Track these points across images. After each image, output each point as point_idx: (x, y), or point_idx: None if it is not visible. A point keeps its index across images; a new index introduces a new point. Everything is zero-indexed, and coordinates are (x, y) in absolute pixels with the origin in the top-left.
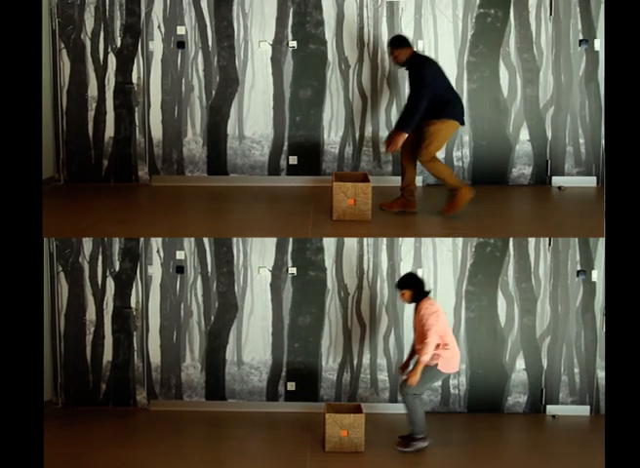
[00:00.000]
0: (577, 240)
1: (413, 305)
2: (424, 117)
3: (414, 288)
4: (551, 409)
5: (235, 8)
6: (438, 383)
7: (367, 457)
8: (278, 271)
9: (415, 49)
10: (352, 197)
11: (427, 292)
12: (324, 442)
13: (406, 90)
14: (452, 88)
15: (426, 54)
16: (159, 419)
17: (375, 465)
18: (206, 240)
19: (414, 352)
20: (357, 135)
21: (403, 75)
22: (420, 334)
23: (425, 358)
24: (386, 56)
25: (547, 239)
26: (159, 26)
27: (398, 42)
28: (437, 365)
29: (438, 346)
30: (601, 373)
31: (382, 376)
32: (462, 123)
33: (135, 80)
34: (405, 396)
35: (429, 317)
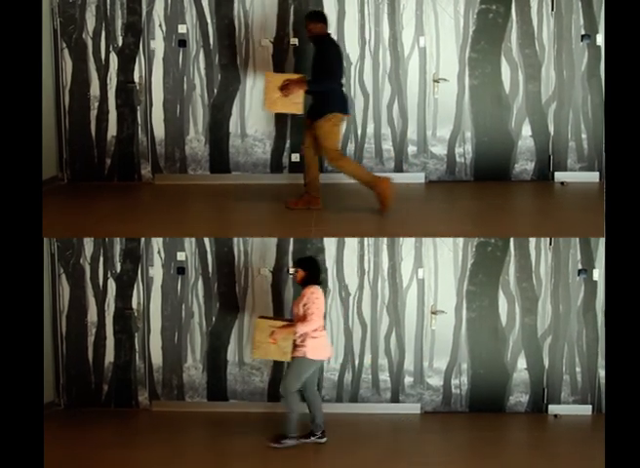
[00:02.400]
0: (578, 239)
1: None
2: (311, 114)
3: (309, 270)
4: (553, 408)
5: (236, 6)
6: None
7: (368, 456)
8: (279, 271)
9: (329, 31)
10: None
11: (319, 282)
12: (252, 348)
13: (407, 87)
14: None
15: (427, 50)
16: (161, 420)
17: (376, 463)
18: (207, 240)
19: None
20: (359, 131)
21: (404, 72)
22: (302, 317)
23: (300, 329)
24: (388, 52)
25: (548, 238)
26: (160, 25)
27: (314, 16)
28: (305, 354)
29: (305, 336)
30: (603, 372)
31: (384, 377)
32: (347, 112)
33: (136, 79)
34: (285, 394)
35: (313, 302)
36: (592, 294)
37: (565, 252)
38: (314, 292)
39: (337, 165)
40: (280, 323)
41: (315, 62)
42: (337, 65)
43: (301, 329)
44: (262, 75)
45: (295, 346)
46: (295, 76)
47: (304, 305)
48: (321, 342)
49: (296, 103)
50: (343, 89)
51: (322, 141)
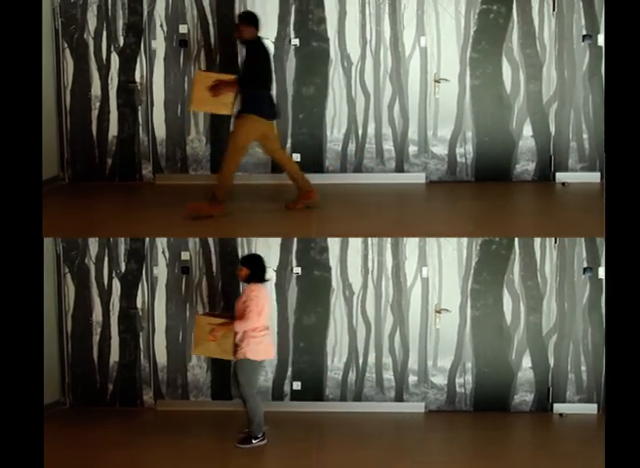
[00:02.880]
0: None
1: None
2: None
3: (252, 268)
4: (558, 407)
5: (237, 6)
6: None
7: (371, 455)
8: (283, 271)
9: (260, 34)
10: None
11: (263, 280)
12: (193, 345)
13: (408, 87)
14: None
15: (428, 50)
16: (165, 419)
17: (379, 462)
18: (210, 240)
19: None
20: (360, 132)
21: (405, 72)
22: (241, 314)
23: (237, 327)
24: (389, 52)
25: (550, 238)
26: (161, 25)
27: (246, 19)
28: (245, 355)
29: (244, 336)
30: None
31: (388, 375)
32: (270, 117)
33: (138, 79)
34: (245, 398)
35: (252, 300)
36: (598, 293)
37: (570, 250)
38: (254, 291)
39: (224, 160)
40: (219, 320)
41: (245, 66)
42: (266, 70)
43: (239, 326)
44: None
45: (235, 346)
46: (226, 77)
47: (244, 303)
48: (261, 342)
49: (225, 104)
50: (272, 93)
51: (230, 135)
